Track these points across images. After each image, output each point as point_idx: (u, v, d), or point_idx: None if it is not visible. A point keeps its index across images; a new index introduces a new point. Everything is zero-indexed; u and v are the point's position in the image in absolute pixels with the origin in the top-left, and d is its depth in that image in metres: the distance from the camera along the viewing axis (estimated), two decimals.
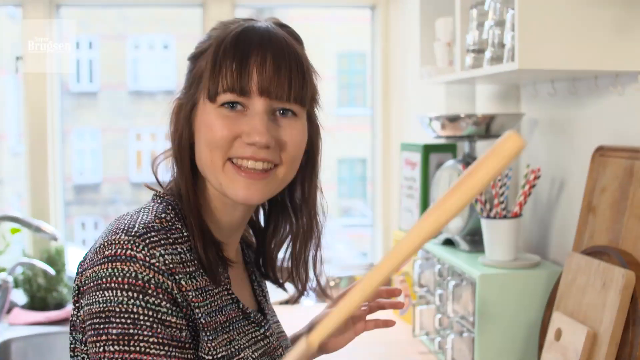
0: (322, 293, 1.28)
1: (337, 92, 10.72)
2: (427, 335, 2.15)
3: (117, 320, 0.97)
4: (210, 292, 1.08)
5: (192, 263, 1.06)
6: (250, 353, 1.12)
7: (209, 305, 1.06)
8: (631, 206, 1.57)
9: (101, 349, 0.98)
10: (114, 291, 0.98)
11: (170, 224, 1.06)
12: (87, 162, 11.59)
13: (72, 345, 1.10)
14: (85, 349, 1.05)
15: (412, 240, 0.66)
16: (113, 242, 1.01)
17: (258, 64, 1.05)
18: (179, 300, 1.01)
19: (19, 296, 2.69)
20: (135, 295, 0.98)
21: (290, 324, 1.39)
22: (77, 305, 1.07)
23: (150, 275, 0.99)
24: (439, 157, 2.36)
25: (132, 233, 1.01)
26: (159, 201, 1.12)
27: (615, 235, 1.61)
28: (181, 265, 1.03)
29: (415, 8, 2.30)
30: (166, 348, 0.98)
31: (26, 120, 2.83)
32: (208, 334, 1.04)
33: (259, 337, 1.16)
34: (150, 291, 0.98)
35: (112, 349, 0.97)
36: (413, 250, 0.67)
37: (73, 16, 3.13)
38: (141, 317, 0.97)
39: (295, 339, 1.38)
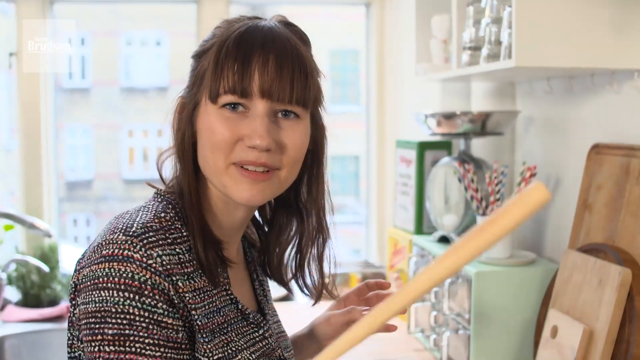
0: (328, 294, 1.28)
1: (330, 90, 10.73)
2: (422, 333, 2.15)
3: (113, 320, 0.97)
4: (208, 292, 1.07)
5: (191, 264, 1.05)
6: (248, 355, 1.11)
7: (207, 307, 1.06)
8: (627, 204, 1.58)
9: (96, 349, 0.97)
10: (110, 291, 0.97)
11: (169, 223, 1.06)
12: (79, 159, 11.56)
13: (69, 342, 1.10)
14: (82, 346, 1.04)
15: (424, 281, 0.65)
16: (111, 241, 1.00)
17: (260, 65, 1.03)
18: (176, 301, 1.00)
19: (13, 293, 2.68)
20: (131, 295, 0.97)
21: (285, 322, 1.39)
22: (73, 302, 1.07)
23: (147, 276, 0.98)
24: (434, 155, 2.36)
25: (130, 233, 1.01)
26: (159, 200, 1.11)
27: (611, 232, 1.61)
28: (179, 266, 1.02)
29: (411, 5, 2.30)
30: (162, 349, 0.98)
31: (20, 117, 2.81)
32: (204, 335, 1.04)
33: (258, 338, 1.15)
34: (146, 292, 0.98)
35: (107, 349, 0.97)
36: (424, 291, 0.66)
37: (67, 12, 3.12)
38: (137, 318, 0.97)
39: (296, 339, 1.37)
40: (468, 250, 0.63)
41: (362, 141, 3.32)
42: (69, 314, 1.10)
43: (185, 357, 1.01)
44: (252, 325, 1.15)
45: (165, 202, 1.10)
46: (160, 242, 1.02)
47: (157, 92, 11.41)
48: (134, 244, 0.99)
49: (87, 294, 1.00)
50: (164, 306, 0.99)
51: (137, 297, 0.97)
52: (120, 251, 0.99)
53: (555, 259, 1.94)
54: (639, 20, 1.55)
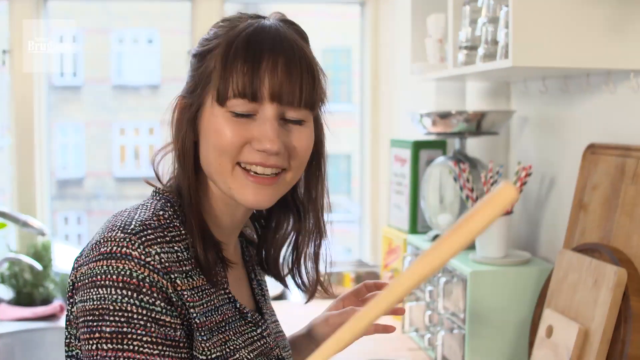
0: (324, 290, 1.28)
1: None
2: (417, 332, 2.15)
3: (111, 318, 0.96)
4: (206, 291, 1.07)
5: (189, 262, 1.05)
6: (246, 354, 1.11)
7: (205, 305, 1.06)
8: (622, 204, 1.58)
9: (94, 347, 0.97)
10: (108, 289, 0.97)
11: (168, 221, 1.06)
12: (70, 157, 11.52)
13: (67, 340, 1.09)
14: (79, 344, 1.04)
15: (405, 281, 0.67)
16: (109, 239, 1.00)
17: (269, 69, 1.03)
18: (174, 299, 1.00)
19: (5, 292, 2.67)
20: (129, 293, 0.97)
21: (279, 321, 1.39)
22: (71, 300, 1.07)
23: (145, 274, 0.98)
24: (428, 154, 2.36)
25: (129, 230, 1.01)
26: (157, 198, 1.11)
27: (607, 232, 1.61)
28: (177, 264, 1.02)
29: (407, 4, 2.30)
30: (160, 347, 0.98)
31: (12, 114, 2.80)
32: (202, 334, 1.04)
33: (256, 338, 1.15)
34: (144, 290, 0.97)
35: (105, 347, 0.96)
36: (407, 290, 0.68)
37: (61, 9, 3.11)
38: (135, 316, 0.97)
39: (294, 340, 1.37)
40: (444, 249, 0.64)
41: (355, 140, 3.32)
42: (66, 312, 1.09)
43: (183, 355, 1.01)
44: (250, 324, 1.15)
45: (163, 201, 1.10)
46: (159, 240, 1.02)
47: (149, 90, 11.38)
48: (132, 242, 0.99)
49: (85, 291, 0.99)
50: (162, 304, 0.99)
51: (135, 295, 0.97)
52: (119, 249, 0.99)
53: (550, 258, 1.95)
54: (635, 20, 1.56)
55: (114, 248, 0.99)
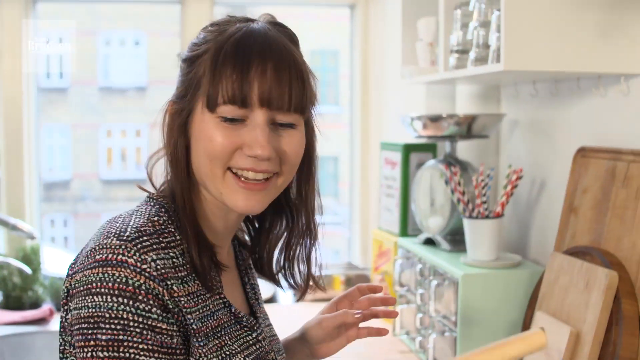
0: (317, 286, 1.28)
1: None
2: (408, 335, 2.15)
3: (107, 326, 0.96)
4: (202, 296, 1.07)
5: (185, 267, 1.05)
6: (242, 358, 1.11)
7: (201, 310, 1.06)
8: (613, 207, 1.59)
9: (89, 355, 0.97)
10: (104, 296, 0.97)
11: (163, 227, 1.05)
12: (56, 159, 11.46)
13: (61, 347, 1.09)
14: (74, 351, 1.04)
15: None
16: (104, 246, 1.00)
17: (259, 74, 1.03)
18: (170, 306, 1.00)
19: None
20: (125, 301, 0.97)
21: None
22: (66, 307, 1.06)
23: (141, 281, 0.98)
24: (419, 157, 2.36)
25: (124, 237, 1.00)
26: (152, 203, 1.11)
27: (597, 235, 1.62)
28: (173, 270, 1.02)
29: (397, 8, 2.31)
30: (156, 355, 0.98)
31: (1, 116, 2.78)
32: (199, 339, 1.04)
33: (252, 342, 1.15)
34: (140, 297, 0.97)
35: (101, 355, 0.96)
36: None
37: (50, 11, 3.10)
38: (131, 324, 0.97)
39: (288, 343, 1.37)
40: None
41: (342, 142, 3.32)
42: (60, 319, 1.09)
43: None
44: (245, 329, 1.15)
45: (158, 206, 1.10)
46: (154, 247, 1.01)
47: (135, 92, 11.34)
48: (128, 249, 0.99)
49: (80, 299, 0.99)
50: (158, 311, 0.98)
51: (131, 302, 0.97)
52: (114, 256, 0.98)
53: (541, 261, 1.96)
54: (626, 25, 1.57)
55: (110, 255, 0.99)
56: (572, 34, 1.57)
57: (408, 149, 2.37)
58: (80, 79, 11.27)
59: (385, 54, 2.92)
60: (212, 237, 1.12)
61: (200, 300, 1.06)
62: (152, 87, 10.97)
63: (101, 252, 0.99)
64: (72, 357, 1.07)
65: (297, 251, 1.24)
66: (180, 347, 1.01)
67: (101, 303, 0.97)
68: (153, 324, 0.98)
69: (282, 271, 1.26)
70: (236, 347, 1.11)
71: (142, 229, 1.03)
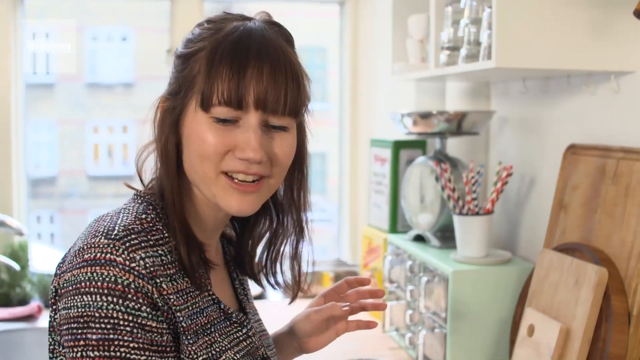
0: (302, 290, 1.28)
1: None
2: (397, 331, 2.15)
3: (97, 325, 0.96)
4: (191, 293, 1.07)
5: (173, 265, 1.05)
6: (233, 354, 1.11)
7: (190, 308, 1.05)
8: (603, 204, 1.60)
9: (79, 355, 0.96)
10: (93, 296, 0.96)
11: (151, 225, 1.05)
12: (43, 155, 11.40)
13: (50, 347, 1.08)
14: (64, 351, 1.03)
15: None
16: (92, 245, 0.99)
17: (255, 76, 1.03)
18: (160, 304, 1.00)
19: None
20: (115, 300, 0.96)
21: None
22: (54, 307, 1.06)
23: (130, 280, 0.97)
24: (408, 154, 2.37)
25: (112, 236, 1.00)
26: (139, 201, 1.10)
27: (587, 232, 1.63)
28: (162, 268, 1.02)
29: (387, 4, 2.31)
30: (147, 353, 0.98)
31: None
32: (189, 337, 1.03)
33: (242, 338, 1.15)
34: (130, 296, 0.97)
35: (91, 354, 0.96)
36: None
37: (37, 7, 3.08)
38: (121, 322, 0.96)
39: (276, 337, 1.37)
40: None
41: (330, 139, 3.32)
42: (49, 319, 1.09)
43: None
44: (235, 325, 1.15)
45: (145, 204, 1.09)
46: (143, 245, 1.01)
47: (122, 88, 11.29)
48: (117, 247, 0.99)
49: (69, 298, 0.98)
50: (148, 309, 0.98)
51: (120, 301, 0.96)
52: (103, 255, 0.98)
53: (530, 258, 1.96)
54: (616, 23, 1.58)
55: (98, 254, 0.98)
56: (563, 31, 1.57)
57: (398, 146, 2.37)
58: (67, 74, 11.21)
59: (375, 51, 2.92)
60: (201, 235, 1.11)
61: (189, 298, 1.06)
62: (139, 83, 10.92)
63: (89, 251, 0.99)
64: (61, 357, 1.06)
65: (281, 251, 1.24)
66: (171, 344, 1.01)
67: (90, 302, 0.96)
68: (143, 322, 0.98)
69: (264, 270, 1.26)
70: (226, 343, 1.11)
71: (130, 227, 1.02)
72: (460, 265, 1.85)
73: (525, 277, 1.81)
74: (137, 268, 0.98)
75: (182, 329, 1.03)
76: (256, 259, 1.27)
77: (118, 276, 0.97)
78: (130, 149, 10.99)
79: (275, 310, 1.80)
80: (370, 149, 2.55)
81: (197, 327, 1.06)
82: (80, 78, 11.34)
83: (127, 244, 0.99)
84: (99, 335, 0.96)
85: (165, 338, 1.00)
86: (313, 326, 1.35)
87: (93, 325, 0.96)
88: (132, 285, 0.97)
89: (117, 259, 0.98)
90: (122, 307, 0.96)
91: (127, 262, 0.98)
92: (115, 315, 0.96)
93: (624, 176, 1.54)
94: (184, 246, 1.06)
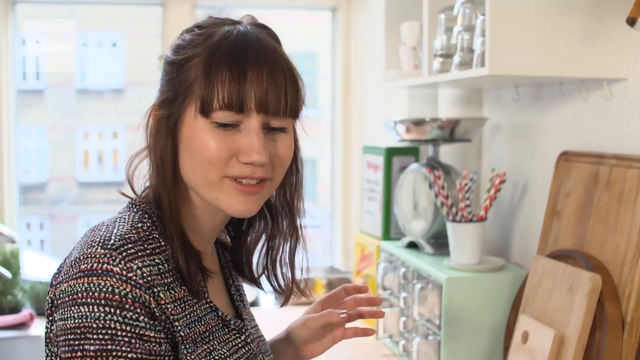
0: (300, 292, 1.28)
1: None
2: (391, 338, 2.15)
3: (95, 336, 0.95)
4: (188, 302, 1.06)
5: (170, 273, 1.04)
6: None
7: (188, 316, 1.05)
8: (596, 211, 1.60)
9: None
10: (91, 307, 0.96)
11: (147, 233, 1.04)
12: (33, 161, 11.35)
13: (48, 358, 1.08)
14: None
15: None
16: (89, 255, 0.99)
17: (255, 79, 1.02)
18: (157, 313, 0.99)
19: None
20: (112, 310, 0.96)
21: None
22: (50, 318, 1.05)
23: (128, 290, 0.97)
24: (401, 160, 2.37)
25: (109, 246, 0.99)
26: (135, 209, 1.10)
27: (580, 239, 1.64)
28: (159, 277, 1.01)
29: (380, 11, 2.31)
30: None
31: None
32: (187, 346, 1.03)
33: (240, 345, 1.15)
34: (127, 306, 0.96)
35: None
36: None
37: (30, 12, 3.07)
38: (119, 333, 0.96)
39: (273, 344, 1.37)
40: None
41: (321, 145, 3.32)
42: (45, 330, 1.08)
43: None
44: (233, 332, 1.14)
45: (141, 212, 1.09)
46: (140, 254, 1.01)
47: (112, 94, 11.26)
48: (113, 257, 0.98)
49: (66, 309, 0.98)
50: (146, 319, 0.98)
51: (118, 312, 0.96)
52: (99, 265, 0.97)
53: (523, 264, 1.97)
54: (609, 30, 1.58)
55: (95, 265, 0.98)
56: (556, 39, 1.58)
57: (390, 153, 2.37)
58: (57, 80, 11.17)
59: (367, 57, 2.93)
60: (197, 243, 1.11)
61: (187, 306, 1.05)
62: (129, 89, 10.90)
63: (86, 261, 0.98)
64: None
65: (280, 253, 1.24)
66: (169, 354, 1.00)
67: (88, 313, 0.96)
68: (141, 332, 0.97)
69: (266, 272, 1.26)
70: (225, 351, 1.10)
71: (126, 236, 1.02)
72: (453, 272, 1.85)
73: (519, 283, 1.81)
74: (134, 278, 0.97)
75: (180, 338, 1.02)
76: (254, 263, 1.27)
77: (115, 286, 0.96)
78: (121, 155, 10.95)
79: (269, 317, 1.80)
80: (363, 155, 2.56)
81: (196, 336, 1.05)
82: (70, 84, 11.30)
83: (124, 254, 0.99)
84: (97, 346, 0.95)
85: (163, 347, 1.00)
86: (310, 333, 1.35)
87: (90, 336, 0.95)
88: (130, 295, 0.97)
89: (114, 269, 0.97)
90: (119, 318, 0.96)
91: (125, 272, 0.97)
92: (112, 325, 0.95)
93: (617, 183, 1.55)
94: (182, 255, 1.05)
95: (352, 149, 3.11)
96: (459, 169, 2.12)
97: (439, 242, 2.08)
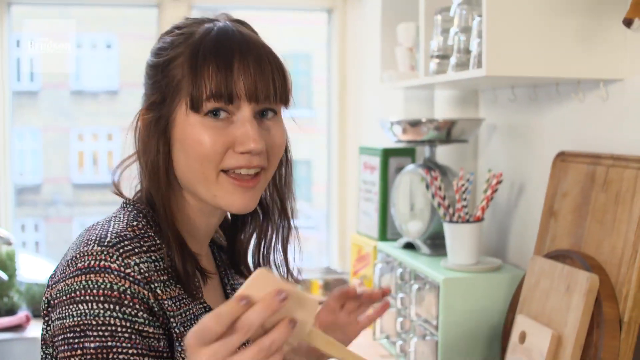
0: (296, 282, 1.28)
1: None
2: (388, 339, 2.16)
3: (94, 333, 0.95)
4: (184, 300, 1.06)
5: (166, 271, 1.04)
6: None
7: (183, 315, 1.05)
8: (593, 211, 1.61)
9: None
10: (89, 304, 0.96)
11: (142, 232, 1.05)
12: (27, 163, 11.33)
13: None
14: None
15: None
16: (86, 253, 0.99)
17: (242, 69, 1.03)
18: (156, 309, 0.99)
19: None
20: (111, 307, 0.96)
21: None
22: (46, 319, 1.05)
23: (126, 286, 0.97)
24: (398, 161, 2.37)
25: (105, 243, 0.99)
26: (129, 209, 1.10)
27: (577, 239, 1.64)
28: (156, 274, 1.01)
29: (376, 13, 2.31)
30: (145, 359, 0.97)
31: None
32: (182, 344, 1.03)
33: None
34: (126, 302, 0.96)
35: None
36: None
37: (24, 13, 3.07)
38: (119, 329, 0.96)
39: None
40: None
41: (315, 146, 3.32)
42: (42, 332, 1.07)
43: None
44: None
45: (135, 212, 1.09)
46: (136, 250, 1.01)
47: (107, 95, 11.25)
48: (110, 254, 0.98)
49: (64, 308, 0.97)
50: (145, 315, 0.98)
51: (117, 308, 0.96)
52: (97, 262, 0.97)
53: (520, 265, 1.97)
54: (605, 31, 1.59)
55: (92, 262, 0.97)
56: (552, 39, 1.58)
57: (387, 154, 2.37)
58: (52, 82, 11.15)
59: (363, 58, 2.93)
60: (192, 243, 1.11)
61: (182, 305, 1.05)
62: (123, 90, 10.89)
63: (83, 259, 0.98)
64: None
65: (273, 245, 1.24)
66: (167, 350, 1.01)
67: (87, 311, 0.95)
68: (140, 328, 0.97)
69: (261, 265, 1.25)
70: None
71: (122, 234, 1.02)
72: (450, 272, 1.85)
73: (516, 284, 1.81)
74: (132, 274, 0.98)
75: (175, 335, 1.02)
76: (248, 258, 1.27)
77: (113, 282, 0.96)
78: (115, 156, 10.93)
79: None
80: (360, 156, 2.56)
81: None
82: (64, 85, 11.29)
83: (121, 250, 0.99)
84: (97, 343, 0.95)
85: (161, 343, 1.00)
86: (333, 318, 1.37)
87: (90, 333, 0.95)
88: (128, 291, 0.97)
89: (112, 265, 0.97)
90: (119, 314, 0.96)
91: (122, 268, 0.97)
92: (112, 322, 0.95)
93: (614, 183, 1.55)
94: (179, 256, 1.05)
95: (348, 150, 3.11)
96: (455, 170, 2.12)
97: (436, 243, 2.08)
